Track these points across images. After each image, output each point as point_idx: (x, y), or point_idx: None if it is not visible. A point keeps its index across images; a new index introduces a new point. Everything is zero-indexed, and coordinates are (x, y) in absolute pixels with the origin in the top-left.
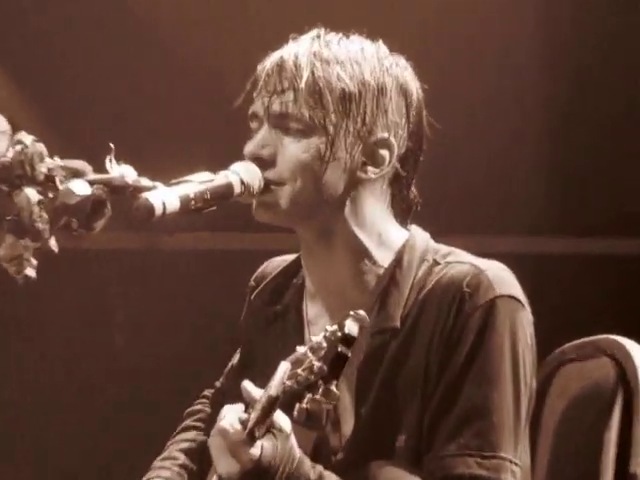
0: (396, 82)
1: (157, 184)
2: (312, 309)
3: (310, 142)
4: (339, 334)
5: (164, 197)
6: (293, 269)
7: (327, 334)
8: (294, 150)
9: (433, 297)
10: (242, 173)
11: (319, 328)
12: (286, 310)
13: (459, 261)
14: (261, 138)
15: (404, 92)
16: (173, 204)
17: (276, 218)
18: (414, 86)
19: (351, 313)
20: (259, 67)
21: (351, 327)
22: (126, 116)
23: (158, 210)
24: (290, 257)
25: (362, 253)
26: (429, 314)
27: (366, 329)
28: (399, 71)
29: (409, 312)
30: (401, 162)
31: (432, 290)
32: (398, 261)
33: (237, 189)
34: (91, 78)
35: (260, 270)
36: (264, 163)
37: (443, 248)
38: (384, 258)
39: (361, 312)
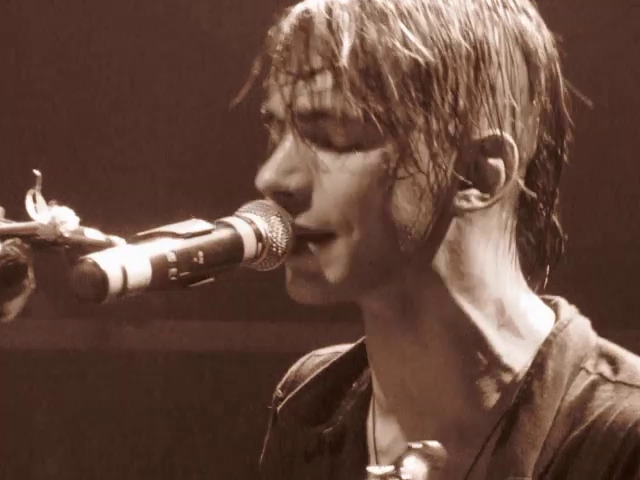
0: (510, 37)
1: (114, 239)
2: (384, 432)
3: (367, 158)
4: None
5: (125, 260)
6: (350, 367)
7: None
8: (341, 175)
9: (592, 441)
10: (258, 221)
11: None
12: (340, 434)
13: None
14: (284, 157)
15: (525, 53)
16: (140, 272)
17: (325, 296)
18: (541, 40)
19: (415, 445)
20: (271, 33)
21: (414, 469)
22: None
23: (114, 282)
24: (344, 348)
25: (472, 341)
26: (582, 469)
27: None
28: (513, 17)
29: (551, 459)
30: (528, 174)
31: (592, 428)
32: (539, 366)
33: (250, 247)
34: None
35: (293, 370)
36: (293, 201)
37: (612, 350)
38: (512, 354)
39: (434, 444)
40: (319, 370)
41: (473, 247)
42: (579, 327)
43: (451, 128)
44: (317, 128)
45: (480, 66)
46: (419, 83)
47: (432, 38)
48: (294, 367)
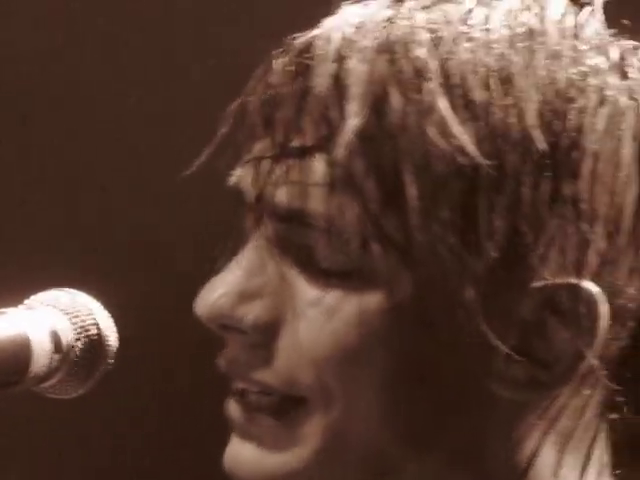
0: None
1: None
2: None
3: (367, 297)
4: None
5: None
6: None
7: None
8: (325, 318)
9: None
10: (58, 320)
11: None
12: None
13: None
14: (245, 273)
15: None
16: None
17: None
18: None
19: None
20: (258, 73)
21: None
22: None
23: None
24: None
25: None
26: None
27: None
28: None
29: None
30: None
31: None
32: None
33: (42, 359)
34: None
35: None
36: (247, 342)
37: None
38: None
39: None
40: None
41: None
42: None
43: (509, 270)
44: (298, 237)
45: (563, 173)
46: (458, 195)
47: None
48: None
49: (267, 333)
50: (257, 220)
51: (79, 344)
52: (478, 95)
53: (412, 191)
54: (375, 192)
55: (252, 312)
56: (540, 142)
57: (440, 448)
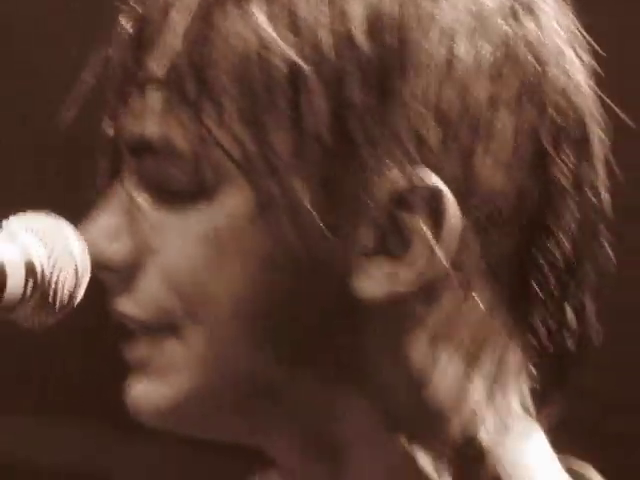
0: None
1: None
2: None
3: (215, 212)
4: None
5: None
6: None
7: None
8: (179, 241)
9: None
10: (35, 247)
11: None
12: None
13: None
14: (109, 214)
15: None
16: None
17: (167, 417)
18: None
19: None
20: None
21: None
22: None
23: None
24: None
25: None
26: None
27: None
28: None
29: None
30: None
31: None
32: None
33: (16, 284)
34: None
35: None
36: (119, 279)
37: None
38: None
39: None
40: None
41: (404, 352)
42: None
43: (339, 170)
44: (149, 166)
45: (391, 72)
46: (283, 101)
47: (309, 30)
48: None
49: (135, 267)
50: (117, 156)
51: (54, 273)
52: (301, 7)
53: (237, 102)
54: (205, 109)
55: (119, 250)
56: (363, 43)
57: (317, 365)
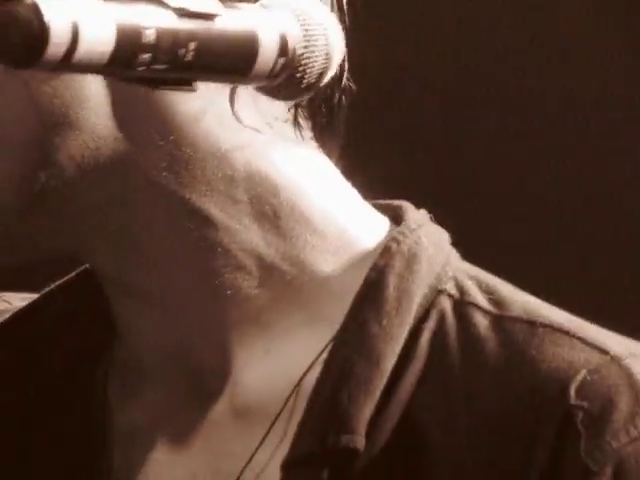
0: None
1: None
2: (130, 406)
3: None
4: None
5: (80, 16)
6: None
7: None
8: None
9: (480, 401)
10: (292, 25)
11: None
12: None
13: (546, 322)
14: None
15: None
16: (98, 40)
17: None
18: None
19: None
20: None
21: None
22: None
23: (57, 42)
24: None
25: (220, 237)
26: (464, 442)
27: None
28: None
29: (401, 410)
30: None
31: (471, 380)
32: (374, 284)
33: (266, 60)
34: None
35: None
36: None
37: (483, 274)
38: (330, 273)
39: None
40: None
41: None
42: (434, 235)
43: None
44: None
45: None
46: None
47: None
48: None
49: None
50: None
51: (305, 53)
52: None
53: None
54: None
55: None
56: None
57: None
